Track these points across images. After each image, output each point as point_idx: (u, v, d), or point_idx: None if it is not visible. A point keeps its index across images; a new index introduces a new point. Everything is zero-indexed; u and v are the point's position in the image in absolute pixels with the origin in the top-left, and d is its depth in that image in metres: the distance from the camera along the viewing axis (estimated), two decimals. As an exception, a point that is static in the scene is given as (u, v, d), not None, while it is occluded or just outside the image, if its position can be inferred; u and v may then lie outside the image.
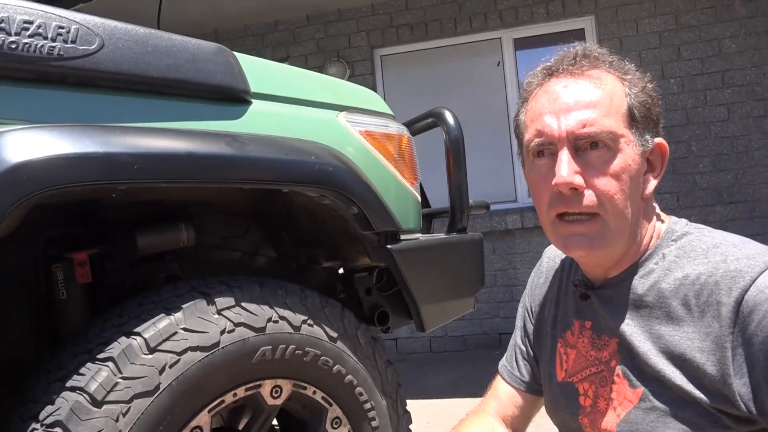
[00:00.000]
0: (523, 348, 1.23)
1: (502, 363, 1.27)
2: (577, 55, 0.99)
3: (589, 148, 0.93)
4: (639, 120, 0.95)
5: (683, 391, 0.89)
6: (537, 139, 0.97)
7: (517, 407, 1.21)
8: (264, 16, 5.53)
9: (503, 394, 1.23)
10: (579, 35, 5.17)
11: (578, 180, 0.92)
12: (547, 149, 0.96)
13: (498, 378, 1.26)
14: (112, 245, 1.40)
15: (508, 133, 5.05)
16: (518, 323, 1.26)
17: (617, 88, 0.96)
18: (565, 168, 0.92)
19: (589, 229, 0.94)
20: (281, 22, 5.62)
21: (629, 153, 0.94)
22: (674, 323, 0.92)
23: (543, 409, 1.20)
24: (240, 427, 1.42)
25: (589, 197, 0.93)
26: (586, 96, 0.94)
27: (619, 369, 0.98)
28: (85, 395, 1.04)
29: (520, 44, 5.29)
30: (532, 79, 1.02)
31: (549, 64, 1.01)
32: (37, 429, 1.02)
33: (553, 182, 0.93)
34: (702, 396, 0.87)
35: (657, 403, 0.92)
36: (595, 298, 1.03)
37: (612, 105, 0.94)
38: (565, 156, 0.93)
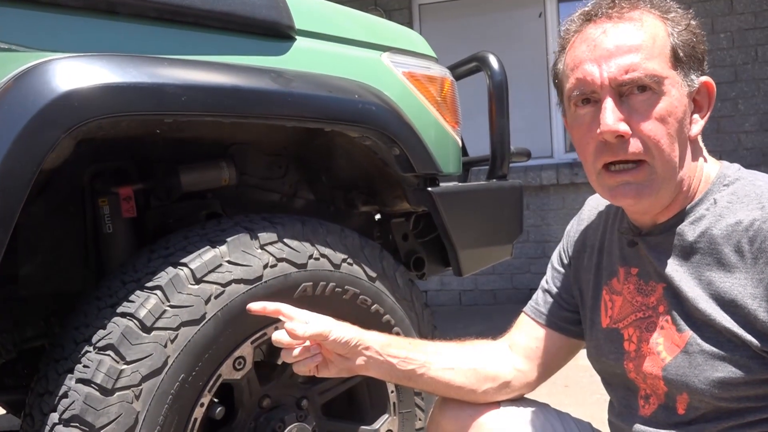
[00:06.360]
0: (555, 290, 1.21)
1: (528, 305, 1.25)
2: None
3: (635, 92, 0.91)
4: (684, 60, 0.93)
5: (733, 334, 0.89)
6: (578, 89, 0.95)
7: (537, 339, 1.19)
8: (301, -38, 5.44)
9: (521, 324, 1.22)
10: (625, -15, 4.98)
11: (623, 127, 0.90)
12: (591, 97, 0.94)
13: (520, 316, 1.24)
14: (156, 181, 1.42)
15: (546, 88, 4.93)
16: (551, 272, 1.24)
17: (659, 29, 0.93)
18: (610, 116, 0.90)
19: (635, 177, 0.93)
20: (318, -31, 5.52)
21: (675, 95, 0.92)
22: (725, 269, 0.91)
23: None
24: (279, 363, 1.45)
25: (634, 144, 0.91)
26: (626, 40, 0.91)
27: (667, 314, 0.98)
28: (135, 321, 1.07)
29: (564, -6, 5.12)
30: (569, 26, 1.00)
31: (587, 8, 0.98)
32: (90, 351, 1.06)
33: (598, 131, 0.92)
34: (753, 339, 0.88)
35: (706, 347, 0.92)
36: (643, 245, 1.02)
37: (655, 47, 0.92)
38: (609, 104, 0.91)
